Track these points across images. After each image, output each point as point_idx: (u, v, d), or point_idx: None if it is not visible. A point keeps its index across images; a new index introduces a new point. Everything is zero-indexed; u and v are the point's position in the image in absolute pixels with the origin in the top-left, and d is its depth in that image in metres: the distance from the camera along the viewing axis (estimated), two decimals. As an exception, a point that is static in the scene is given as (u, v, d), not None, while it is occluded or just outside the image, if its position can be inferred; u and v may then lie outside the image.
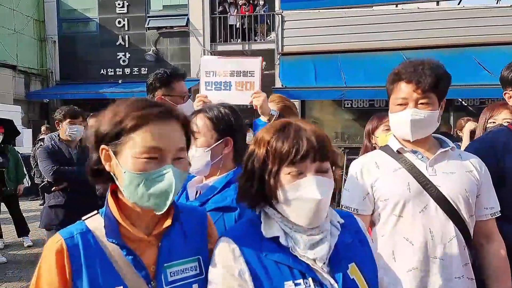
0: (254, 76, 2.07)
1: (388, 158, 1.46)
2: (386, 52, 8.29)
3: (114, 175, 0.91)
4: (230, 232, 1.01)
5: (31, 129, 10.33)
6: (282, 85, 8.31)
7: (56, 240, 0.88)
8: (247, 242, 0.95)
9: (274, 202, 0.96)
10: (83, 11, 12.25)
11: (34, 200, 8.46)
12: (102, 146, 0.90)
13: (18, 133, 5.71)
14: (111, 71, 12.11)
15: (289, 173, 0.93)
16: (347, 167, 1.71)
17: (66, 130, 3.15)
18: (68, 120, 3.14)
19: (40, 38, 12.18)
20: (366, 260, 1.02)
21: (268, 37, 11.38)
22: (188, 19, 11.63)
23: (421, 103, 1.36)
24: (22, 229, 5.32)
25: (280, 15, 9.15)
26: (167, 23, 11.79)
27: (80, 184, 3.13)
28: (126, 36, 12.02)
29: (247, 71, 2.07)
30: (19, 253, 5.01)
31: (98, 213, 0.94)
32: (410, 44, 8.30)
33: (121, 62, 12.09)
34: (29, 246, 5.22)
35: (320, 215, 0.94)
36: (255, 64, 2.09)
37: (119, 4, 11.96)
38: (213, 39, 11.51)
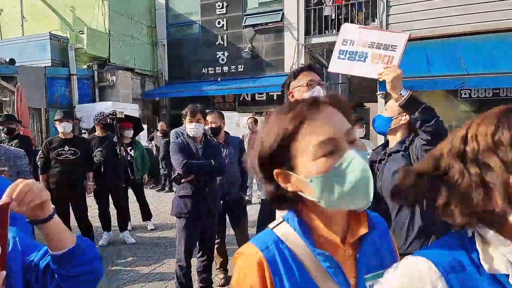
0: (395, 51, 1.91)
1: None
2: (516, 32, 7.12)
3: (301, 192, 0.82)
4: (430, 256, 0.68)
5: (146, 125, 11.60)
6: (387, 76, 7.74)
7: (254, 252, 0.83)
8: (458, 273, 0.66)
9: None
10: (187, 15, 13.23)
11: (152, 188, 9.48)
12: (275, 171, 0.81)
13: (142, 129, 6.38)
14: (211, 70, 12.86)
15: None
16: None
17: (186, 127, 3.33)
18: (188, 118, 3.28)
19: (152, 42, 13.57)
20: None
21: (367, 25, 10.74)
22: (283, 14, 11.67)
23: None
24: (146, 214, 5.96)
25: (384, 1, 8.54)
26: (263, 20, 12.01)
27: (205, 177, 3.33)
28: (225, 36, 12.61)
29: (389, 45, 1.92)
30: (145, 236, 5.62)
31: (283, 220, 0.88)
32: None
33: (220, 60, 12.75)
34: (151, 230, 5.83)
35: None
36: (401, 39, 1.92)
37: (218, 5, 12.61)
38: (307, 32, 11.33)
